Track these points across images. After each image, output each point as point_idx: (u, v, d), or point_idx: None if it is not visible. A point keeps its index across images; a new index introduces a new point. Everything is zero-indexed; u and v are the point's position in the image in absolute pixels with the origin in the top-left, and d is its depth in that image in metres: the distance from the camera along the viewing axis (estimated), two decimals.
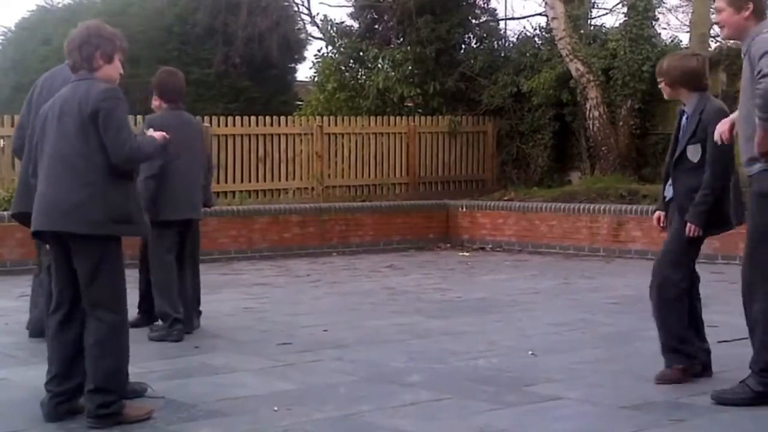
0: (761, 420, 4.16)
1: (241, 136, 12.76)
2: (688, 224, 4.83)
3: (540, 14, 16.19)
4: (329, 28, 16.10)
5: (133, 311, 5.98)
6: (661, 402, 4.46)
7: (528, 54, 14.62)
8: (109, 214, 4.10)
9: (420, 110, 15.33)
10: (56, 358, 4.23)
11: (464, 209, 12.88)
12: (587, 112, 13.20)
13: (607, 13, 24.55)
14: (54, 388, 4.20)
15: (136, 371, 4.86)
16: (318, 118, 14.01)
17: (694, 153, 4.80)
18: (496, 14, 16.45)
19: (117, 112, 4.13)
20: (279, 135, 13.05)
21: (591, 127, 13.32)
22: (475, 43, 15.76)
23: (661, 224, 5.07)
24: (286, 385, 4.91)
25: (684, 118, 4.89)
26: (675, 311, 4.85)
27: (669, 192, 4.96)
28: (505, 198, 13.11)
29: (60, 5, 18.07)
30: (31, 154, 4.42)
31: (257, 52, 15.60)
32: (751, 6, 4.41)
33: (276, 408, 4.40)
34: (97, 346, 4.10)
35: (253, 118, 12.95)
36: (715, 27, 21.62)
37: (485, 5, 16.16)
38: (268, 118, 13.07)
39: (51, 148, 4.17)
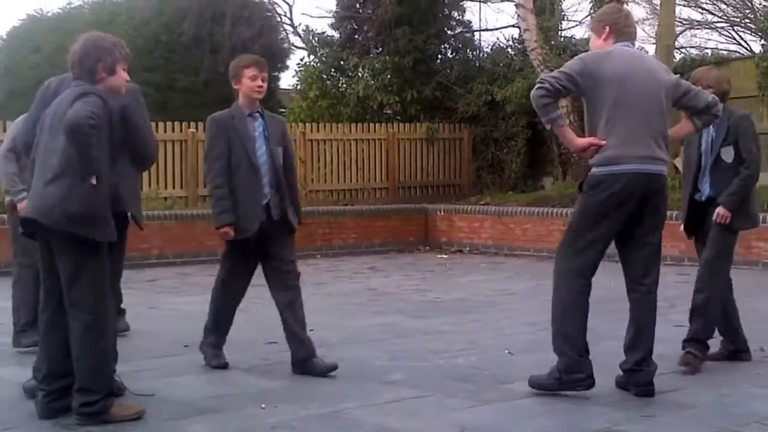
0: (726, 417, 4.27)
1: None
2: (720, 209, 5.22)
3: (513, 26, 16.47)
4: (311, 38, 16.28)
5: None
6: (633, 398, 4.55)
7: (501, 64, 14.84)
8: (80, 213, 4.05)
9: (398, 117, 15.51)
10: (46, 357, 4.25)
11: (442, 213, 13.08)
12: None
13: (576, 25, 24.97)
14: (46, 387, 4.23)
15: (127, 370, 4.93)
16: (301, 124, 14.16)
17: (727, 154, 5.25)
18: (471, 26, 16.68)
19: (88, 110, 4.03)
20: None
21: None
22: (451, 54, 16.00)
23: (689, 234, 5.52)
24: (273, 383, 4.97)
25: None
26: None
27: (705, 192, 5.35)
28: (481, 202, 13.28)
29: (49, 14, 18.10)
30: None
31: None
32: (607, 29, 4.75)
33: (264, 405, 4.45)
34: (76, 346, 4.13)
35: None
36: (680, 39, 22.04)
37: (460, 17, 16.40)
38: None
39: (41, 149, 4.23)
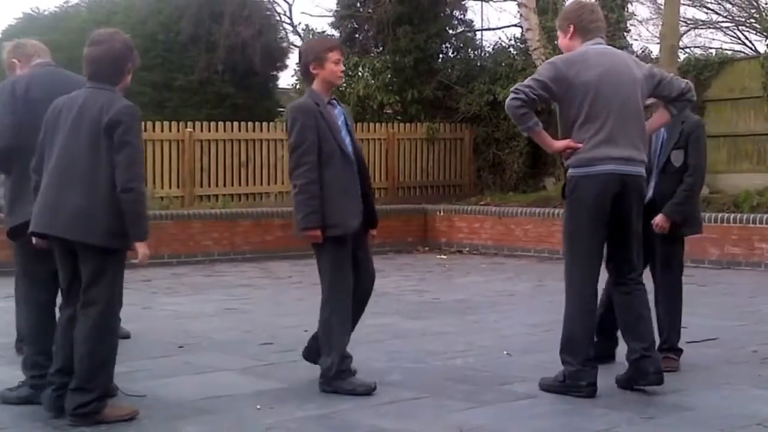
0: (727, 419, 4.25)
1: (224, 141, 12.86)
2: (660, 217, 5.15)
3: (515, 25, 16.39)
4: (310, 37, 16.23)
5: None
6: (632, 400, 4.54)
7: (503, 64, 14.78)
8: (111, 226, 4.12)
9: (399, 117, 15.46)
10: (62, 352, 4.26)
11: (442, 213, 13.05)
12: None
13: None
14: (57, 380, 4.23)
15: (121, 370, 4.83)
16: None
17: (677, 158, 5.21)
18: (473, 25, 16.65)
19: (135, 131, 4.16)
20: (261, 140, 13.17)
21: None
22: (452, 53, 15.97)
23: None
24: (268, 384, 4.95)
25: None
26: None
27: (648, 194, 5.20)
28: (482, 203, 13.26)
29: (46, 13, 18.08)
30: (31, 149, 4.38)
31: (240, 60, 15.71)
32: (572, 28, 4.73)
33: (259, 406, 4.44)
34: (83, 345, 4.13)
35: (235, 123, 13.06)
36: (685, 38, 21.88)
37: (462, 16, 16.38)
38: (250, 123, 13.18)
39: (61, 151, 4.18)
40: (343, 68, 4.86)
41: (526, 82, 4.63)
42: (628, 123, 4.60)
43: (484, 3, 17.27)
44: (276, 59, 17.37)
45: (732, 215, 10.51)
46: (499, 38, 22.72)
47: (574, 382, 4.60)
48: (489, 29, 17.66)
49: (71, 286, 4.26)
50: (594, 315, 4.69)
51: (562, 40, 4.79)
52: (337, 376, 4.71)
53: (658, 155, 5.26)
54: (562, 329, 4.71)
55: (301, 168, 4.69)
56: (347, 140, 4.80)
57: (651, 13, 21.94)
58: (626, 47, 13.63)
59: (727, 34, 23.67)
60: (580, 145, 4.58)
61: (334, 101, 4.88)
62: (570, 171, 4.65)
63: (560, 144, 4.67)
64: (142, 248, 4.18)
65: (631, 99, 4.62)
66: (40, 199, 4.22)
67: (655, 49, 17.26)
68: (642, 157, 4.68)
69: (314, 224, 4.67)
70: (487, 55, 15.97)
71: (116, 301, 4.25)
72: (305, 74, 4.88)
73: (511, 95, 4.58)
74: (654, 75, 4.75)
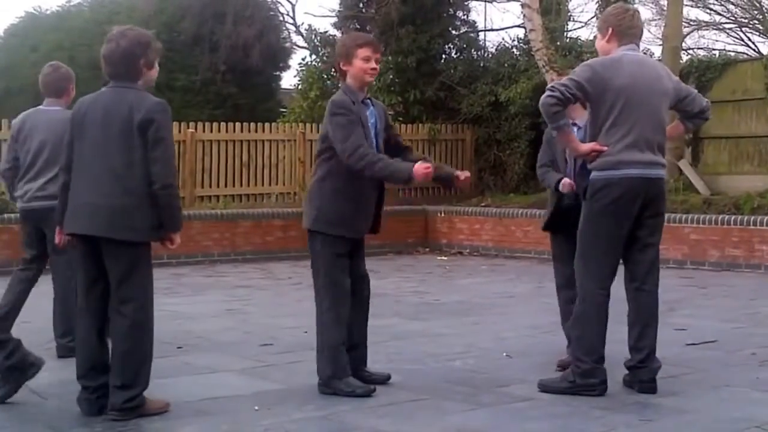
0: (725, 422, 4.26)
1: (226, 141, 12.87)
2: None
3: (518, 26, 16.38)
4: (313, 37, 16.27)
5: None
6: (631, 403, 4.53)
7: (506, 64, 14.81)
8: (148, 221, 4.18)
9: (401, 118, 15.44)
10: (87, 352, 4.28)
11: (442, 215, 13.05)
12: None
13: (582, 26, 24.80)
14: (92, 383, 4.27)
15: None
16: (301, 125, 14.12)
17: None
18: (476, 26, 16.64)
19: (168, 127, 4.19)
20: (263, 141, 13.18)
21: None
22: (455, 54, 15.96)
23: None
24: (267, 385, 4.94)
25: (577, 129, 5.10)
26: None
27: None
28: (483, 204, 13.28)
29: (48, 12, 18.11)
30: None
31: (242, 60, 15.72)
32: (610, 30, 4.77)
33: (257, 407, 4.42)
34: (122, 343, 4.18)
35: (237, 124, 13.07)
36: (687, 40, 21.87)
37: (465, 17, 16.36)
38: (252, 124, 13.19)
39: (92, 152, 4.19)
40: (375, 65, 4.68)
41: (563, 80, 4.69)
42: (653, 129, 4.68)
43: (487, 4, 17.25)
44: (278, 59, 17.38)
45: (733, 217, 10.52)
46: (502, 39, 22.65)
47: (586, 381, 4.64)
48: (492, 30, 17.65)
49: (90, 289, 4.28)
50: (605, 314, 4.71)
51: (599, 42, 4.86)
52: (334, 377, 4.71)
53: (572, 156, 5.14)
54: (573, 329, 4.75)
55: (361, 148, 4.57)
56: (374, 143, 4.75)
57: (653, 14, 21.96)
58: None
59: (730, 36, 23.70)
60: (605, 148, 4.63)
61: (368, 100, 4.80)
62: (594, 174, 4.68)
63: (586, 147, 4.71)
64: (177, 238, 4.34)
65: (658, 109, 4.71)
66: (72, 201, 4.24)
67: (657, 51, 17.27)
68: (663, 161, 4.76)
69: (408, 168, 4.62)
70: (490, 55, 15.98)
71: (150, 297, 4.30)
72: (338, 70, 4.87)
73: (547, 92, 4.62)
74: (681, 89, 4.87)
